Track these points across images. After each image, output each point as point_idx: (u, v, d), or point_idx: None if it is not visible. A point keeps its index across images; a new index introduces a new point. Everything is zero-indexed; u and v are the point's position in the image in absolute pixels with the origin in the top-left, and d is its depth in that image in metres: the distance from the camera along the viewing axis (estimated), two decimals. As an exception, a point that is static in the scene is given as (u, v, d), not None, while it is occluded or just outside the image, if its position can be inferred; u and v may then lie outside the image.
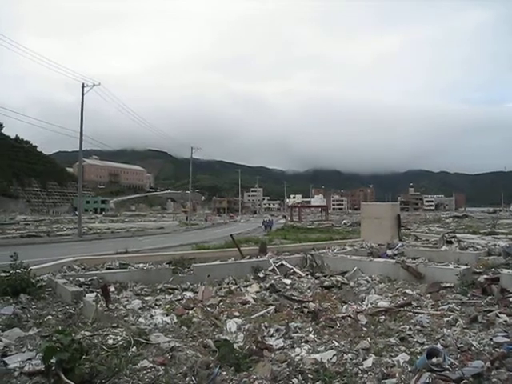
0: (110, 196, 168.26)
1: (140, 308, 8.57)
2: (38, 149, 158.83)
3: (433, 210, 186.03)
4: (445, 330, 7.10)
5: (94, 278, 10.71)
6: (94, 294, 8.86)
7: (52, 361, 4.57)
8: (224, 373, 5.05)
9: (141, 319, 7.60)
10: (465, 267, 11.69)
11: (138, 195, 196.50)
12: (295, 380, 5.00)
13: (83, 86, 40.11)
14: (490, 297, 9.38)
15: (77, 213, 47.45)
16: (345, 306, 8.82)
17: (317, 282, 11.46)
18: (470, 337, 6.64)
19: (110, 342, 5.91)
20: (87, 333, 6.26)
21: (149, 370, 5.06)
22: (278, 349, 6.18)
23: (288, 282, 11.37)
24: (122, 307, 8.51)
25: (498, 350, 5.92)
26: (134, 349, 5.68)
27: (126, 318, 7.56)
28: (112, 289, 10.04)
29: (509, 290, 9.59)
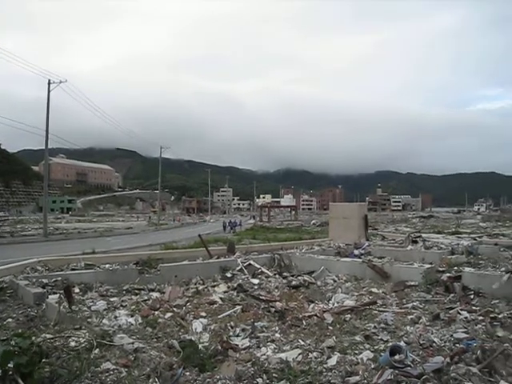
0: (77, 195, 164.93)
1: (105, 309, 8.44)
2: (2, 146, 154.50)
3: (400, 210, 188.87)
4: (408, 327, 7.25)
5: (58, 279, 10.49)
6: (57, 295, 8.67)
7: (9, 365, 4.44)
8: (188, 373, 5.02)
9: (105, 320, 7.47)
10: (429, 266, 11.94)
11: (106, 195, 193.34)
12: (260, 379, 5.00)
13: (49, 83, 39.17)
14: (452, 294, 9.63)
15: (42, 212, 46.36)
16: (311, 305, 8.88)
17: (284, 281, 11.50)
18: (432, 333, 6.78)
19: (73, 344, 5.79)
20: (48, 335, 6.13)
21: (111, 372, 4.97)
22: (244, 348, 6.18)
23: (256, 281, 11.37)
24: (86, 308, 8.36)
25: (457, 345, 6.07)
26: (96, 351, 5.58)
27: (89, 320, 7.43)
28: (77, 290, 9.88)
29: (470, 288, 9.85)
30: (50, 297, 8.65)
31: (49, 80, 39.21)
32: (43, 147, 42.31)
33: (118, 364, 5.20)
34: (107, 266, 12.20)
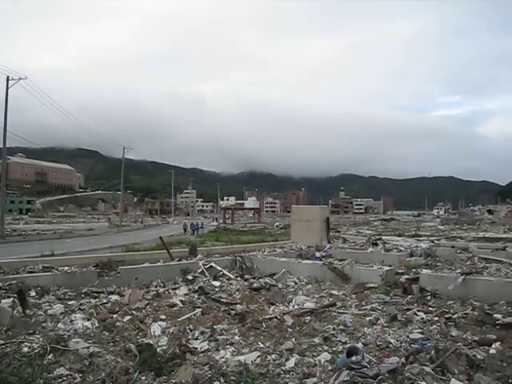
0: (36, 196, 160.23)
1: (62, 313, 8.23)
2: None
3: (362, 213, 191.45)
4: (366, 328, 7.37)
5: (13, 282, 10.15)
6: (11, 299, 8.39)
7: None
8: (144, 378, 4.94)
9: (60, 325, 7.28)
10: (388, 268, 12.18)
11: (66, 195, 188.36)
12: (217, 383, 4.97)
13: (8, 79, 38.03)
14: (410, 296, 9.86)
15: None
16: (272, 308, 8.90)
17: (246, 283, 11.52)
18: (389, 334, 6.92)
19: (25, 350, 5.62)
20: (-1, 341, 5.92)
21: (65, 378, 4.86)
22: (203, 352, 6.14)
23: (217, 284, 11.34)
24: (41, 313, 8.13)
25: (413, 346, 6.22)
26: (50, 356, 5.43)
27: (44, 324, 7.22)
28: (33, 293, 9.60)
29: (427, 289, 10.10)
30: (2, 301, 8.35)
31: (7, 76, 38.01)
32: (1, 146, 40.99)
33: (72, 369, 5.07)
34: (66, 268, 11.92)
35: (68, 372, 4.99)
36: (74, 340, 6.10)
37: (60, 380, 4.81)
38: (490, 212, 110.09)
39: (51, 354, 5.48)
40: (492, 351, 5.92)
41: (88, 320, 7.60)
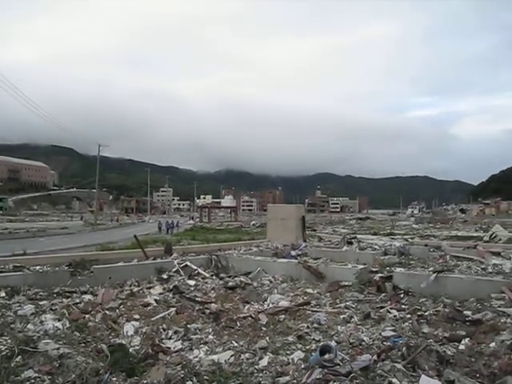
0: (8, 194, 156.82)
1: (32, 313, 8.05)
2: None
3: (338, 211, 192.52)
4: (339, 326, 7.42)
5: (-20, 283, 9.93)
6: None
7: None
8: (115, 379, 4.87)
9: (29, 326, 7.10)
10: (362, 266, 12.28)
11: (40, 193, 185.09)
12: (190, 382, 4.94)
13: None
14: (383, 294, 9.96)
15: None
16: (247, 306, 8.90)
17: (221, 282, 11.49)
18: (362, 332, 6.98)
19: (-8, 352, 5.48)
20: (-36, 344, 5.76)
21: (33, 381, 4.74)
22: (176, 351, 6.10)
23: (192, 283, 11.27)
24: (11, 313, 7.94)
25: (385, 343, 6.28)
26: (18, 358, 5.30)
27: (12, 325, 7.05)
28: (2, 294, 9.40)
29: (400, 287, 10.23)
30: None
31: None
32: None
33: (40, 371, 4.96)
34: (38, 267, 11.67)
35: (36, 374, 4.88)
36: (43, 341, 5.97)
37: (28, 383, 4.70)
38: (462, 211, 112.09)
39: (19, 356, 5.35)
40: (461, 347, 6.03)
41: (59, 320, 7.45)
